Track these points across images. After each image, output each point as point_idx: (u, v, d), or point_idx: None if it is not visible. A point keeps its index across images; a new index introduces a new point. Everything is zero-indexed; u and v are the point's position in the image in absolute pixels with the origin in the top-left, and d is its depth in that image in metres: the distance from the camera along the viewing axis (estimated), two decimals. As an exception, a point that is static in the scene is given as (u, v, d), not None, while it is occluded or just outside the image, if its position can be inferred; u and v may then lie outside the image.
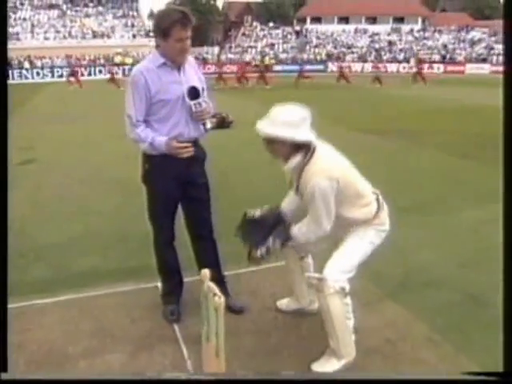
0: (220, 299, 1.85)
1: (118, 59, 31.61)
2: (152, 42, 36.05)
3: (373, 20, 47.62)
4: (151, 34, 36.77)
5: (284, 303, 3.00)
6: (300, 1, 64.55)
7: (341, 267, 2.40)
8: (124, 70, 30.82)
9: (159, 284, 3.28)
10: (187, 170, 2.71)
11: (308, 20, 47.27)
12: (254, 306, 3.04)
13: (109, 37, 35.68)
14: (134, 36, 36.58)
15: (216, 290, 1.89)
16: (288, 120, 2.25)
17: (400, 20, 47.49)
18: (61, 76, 27.78)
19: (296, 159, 2.33)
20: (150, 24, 38.44)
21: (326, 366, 2.45)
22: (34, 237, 4.20)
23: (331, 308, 2.39)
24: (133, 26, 37.67)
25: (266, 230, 2.54)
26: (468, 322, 2.89)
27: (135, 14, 39.27)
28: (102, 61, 31.52)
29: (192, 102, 2.59)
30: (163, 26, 2.49)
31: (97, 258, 3.81)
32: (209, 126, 2.70)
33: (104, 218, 4.75)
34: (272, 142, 2.31)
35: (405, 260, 3.74)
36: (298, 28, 44.45)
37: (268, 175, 6.18)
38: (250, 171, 6.57)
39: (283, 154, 2.35)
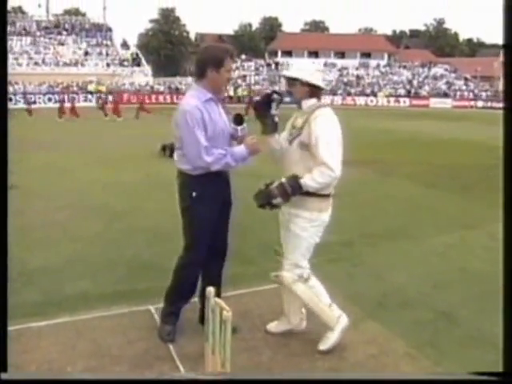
0: (228, 313, 2.03)
1: (91, 87, 31.64)
2: (125, 71, 36.34)
3: (341, 55, 49.44)
4: (125, 63, 37.14)
5: (273, 326, 3.17)
6: (271, 34, 66.59)
7: (298, 258, 2.85)
8: (99, 97, 30.83)
9: (152, 307, 3.42)
10: (225, 192, 3.02)
11: (279, 53, 48.66)
12: (244, 325, 3.20)
13: (82, 65, 35.79)
14: (107, 65, 36.80)
15: (223, 304, 2.07)
16: (307, 68, 2.94)
17: (367, 55, 49.49)
18: (33, 102, 27.63)
19: (310, 101, 2.83)
20: (123, 53, 38.77)
21: (327, 342, 2.90)
22: (24, 261, 4.26)
23: (298, 293, 2.89)
24: (107, 54, 37.95)
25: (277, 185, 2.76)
26: (441, 337, 3.14)
27: (109, 43, 39.59)
28: (76, 88, 31.47)
29: (239, 128, 2.91)
30: (218, 57, 2.74)
31: (86, 282, 3.90)
32: None
33: (88, 243, 4.85)
34: (293, 84, 2.84)
35: (381, 283, 4.00)
36: (269, 61, 45.68)
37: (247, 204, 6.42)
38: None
39: (300, 94, 2.83)
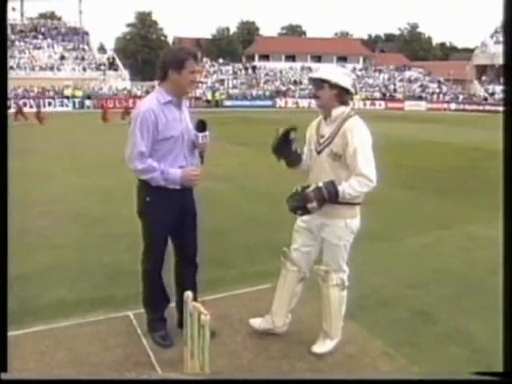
0: (206, 317, 2.03)
1: (68, 92, 31.18)
2: (102, 75, 35.96)
3: (318, 58, 49.89)
4: (101, 67, 36.71)
5: (257, 322, 3.18)
6: (248, 39, 66.83)
7: (341, 263, 2.86)
8: (74, 103, 30.40)
9: (130, 313, 3.40)
10: (183, 199, 2.92)
11: (256, 57, 48.83)
12: (224, 329, 3.21)
13: (59, 69, 35.25)
14: (84, 69, 36.35)
15: (202, 308, 2.08)
16: (336, 70, 2.77)
17: (343, 59, 50.06)
18: (9, 107, 27.13)
19: (340, 109, 2.71)
20: (100, 57, 38.34)
21: (324, 347, 2.93)
22: None
23: (331, 297, 2.88)
24: (83, 59, 37.47)
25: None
26: (418, 336, 3.21)
27: (86, 47, 39.12)
28: (52, 93, 30.95)
29: (200, 135, 2.82)
30: (178, 59, 2.70)
31: (64, 289, 3.86)
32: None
33: (66, 249, 4.79)
34: (321, 87, 2.70)
35: (359, 283, 4.01)
36: (247, 65, 45.79)
37: (225, 208, 6.43)
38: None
39: (328, 99, 2.70)
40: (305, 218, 2.88)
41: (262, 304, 3.57)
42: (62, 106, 29.99)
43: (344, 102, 2.73)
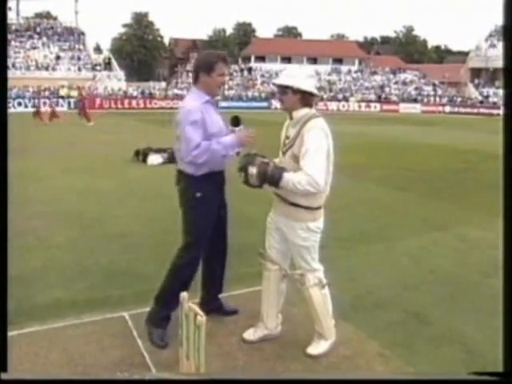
0: (202, 318, 2.03)
1: (63, 92, 31.01)
2: (98, 75, 35.82)
3: (313, 60, 49.95)
4: (97, 67, 36.59)
5: (251, 333, 3.13)
6: (244, 40, 66.91)
7: (311, 263, 2.87)
8: (69, 103, 30.24)
9: (126, 314, 3.40)
10: (222, 194, 3.15)
11: (252, 58, 48.85)
12: (219, 330, 3.21)
13: (54, 69, 35.09)
14: (79, 69, 36.21)
15: (197, 309, 2.08)
16: (298, 74, 2.79)
17: (339, 61, 50.15)
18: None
19: (302, 111, 2.75)
20: (96, 57, 38.18)
21: (319, 348, 2.94)
22: (-7, 271, 4.16)
23: (313, 298, 2.90)
24: (79, 59, 37.32)
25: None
26: (413, 337, 3.22)
27: (81, 47, 38.96)
28: (47, 93, 30.77)
29: (236, 129, 2.97)
30: (208, 62, 2.91)
31: (59, 290, 3.84)
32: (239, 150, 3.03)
33: (62, 250, 4.77)
34: (285, 92, 2.75)
35: (354, 285, 4.06)
36: (243, 66, 45.81)
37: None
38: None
39: (292, 103, 2.75)
40: (271, 217, 3.00)
41: (257, 305, 3.57)
42: (57, 105, 29.78)
43: (308, 104, 2.77)
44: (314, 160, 2.61)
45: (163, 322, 3.07)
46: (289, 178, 2.64)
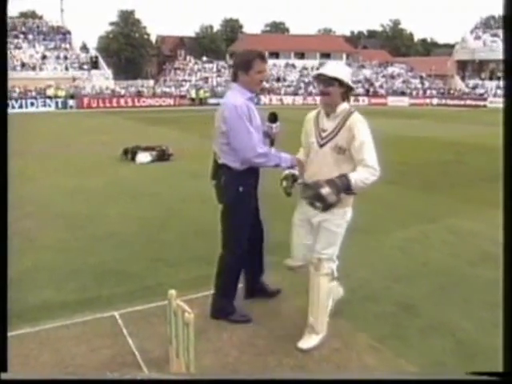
0: (190, 315, 2.02)
1: (50, 92, 30.65)
2: (85, 74, 35.46)
3: (301, 55, 49.96)
4: (84, 66, 36.23)
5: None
6: (232, 36, 66.69)
7: (332, 253, 2.93)
8: (57, 103, 29.88)
9: (116, 313, 3.39)
10: (257, 186, 3.25)
11: (240, 55, 48.73)
12: (210, 326, 3.21)
13: (40, 69, 34.69)
14: (66, 68, 35.81)
15: (186, 307, 2.07)
16: (344, 68, 2.94)
17: (327, 56, 50.18)
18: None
19: (343, 105, 2.81)
20: (83, 56, 37.79)
21: (310, 342, 2.95)
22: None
23: (321, 286, 2.93)
24: (65, 58, 36.91)
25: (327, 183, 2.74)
26: (403, 329, 3.24)
27: (68, 46, 38.52)
28: (34, 93, 30.40)
29: (274, 125, 3.14)
30: (246, 60, 2.99)
31: (50, 291, 3.81)
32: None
33: (52, 251, 4.73)
34: (331, 84, 2.76)
35: (345, 278, 4.03)
36: (231, 62, 45.66)
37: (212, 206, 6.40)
38: (194, 203, 6.75)
39: (335, 97, 2.78)
40: (299, 215, 3.03)
41: (248, 301, 3.58)
42: (44, 106, 29.47)
43: (347, 99, 2.86)
44: (370, 151, 2.73)
45: (233, 307, 3.29)
46: (355, 177, 2.71)
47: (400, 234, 5.29)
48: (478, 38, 45.12)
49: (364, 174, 2.70)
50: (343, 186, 2.69)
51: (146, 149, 9.83)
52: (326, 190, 2.67)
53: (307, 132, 3.00)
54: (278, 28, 76.17)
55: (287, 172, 3.04)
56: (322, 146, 2.85)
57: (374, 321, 3.34)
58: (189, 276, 4.11)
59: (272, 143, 3.18)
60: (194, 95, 34.80)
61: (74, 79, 33.71)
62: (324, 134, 2.85)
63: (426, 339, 3.13)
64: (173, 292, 2.24)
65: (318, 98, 2.93)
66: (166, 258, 4.51)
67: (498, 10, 41.98)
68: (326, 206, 2.74)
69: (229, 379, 1.68)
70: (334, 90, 2.77)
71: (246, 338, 3.09)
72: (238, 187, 3.03)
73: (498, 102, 36.64)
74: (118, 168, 9.39)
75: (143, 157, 9.59)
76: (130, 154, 9.79)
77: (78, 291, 3.81)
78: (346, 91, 2.81)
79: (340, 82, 2.76)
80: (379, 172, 2.74)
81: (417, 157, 11.14)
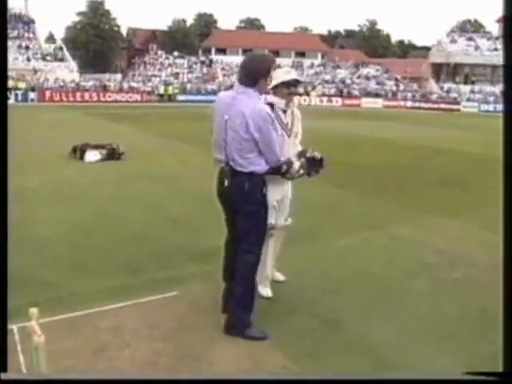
0: (40, 338, 1.80)
1: (10, 83, 29.53)
2: (49, 66, 34.36)
3: (276, 53, 49.88)
4: (48, 58, 35.16)
5: (269, 292, 3.77)
6: (205, 31, 66.01)
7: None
8: (16, 95, 28.83)
9: (15, 326, 3.11)
10: None
11: (213, 51, 48.33)
12: (112, 342, 2.99)
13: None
14: (28, 59, 34.65)
15: (37, 328, 1.85)
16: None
17: (301, 54, 50.28)
18: None
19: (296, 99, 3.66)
20: (47, 47, 36.66)
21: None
22: None
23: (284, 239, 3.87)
24: (27, 48, 35.71)
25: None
26: (321, 346, 3.08)
27: (31, 35, 37.30)
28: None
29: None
30: (269, 68, 3.06)
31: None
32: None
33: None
34: (298, 86, 3.60)
35: (275, 289, 3.85)
36: (203, 58, 45.17)
37: (151, 209, 6.16)
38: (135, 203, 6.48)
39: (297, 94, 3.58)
40: (277, 196, 3.55)
41: (165, 313, 3.38)
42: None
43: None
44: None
45: (249, 321, 3.16)
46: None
47: (342, 242, 5.13)
48: (453, 41, 45.89)
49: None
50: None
51: (96, 147, 9.43)
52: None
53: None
54: (253, 24, 75.71)
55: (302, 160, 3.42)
56: (289, 136, 3.54)
57: (293, 337, 3.17)
58: (109, 285, 3.88)
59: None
60: (162, 91, 34.21)
61: (36, 71, 32.67)
62: (288, 125, 3.54)
63: (341, 357, 2.98)
64: (34, 310, 2.00)
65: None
66: (87, 264, 4.25)
67: (473, 14, 42.73)
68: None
69: (229, 379, 1.72)
70: (296, 90, 3.50)
71: (148, 356, 2.88)
72: (262, 189, 3.11)
73: (471, 107, 37.54)
74: (64, 167, 8.95)
75: (92, 155, 9.21)
76: (79, 152, 9.40)
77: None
78: None
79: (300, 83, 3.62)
80: None
81: (375, 160, 11.06)
